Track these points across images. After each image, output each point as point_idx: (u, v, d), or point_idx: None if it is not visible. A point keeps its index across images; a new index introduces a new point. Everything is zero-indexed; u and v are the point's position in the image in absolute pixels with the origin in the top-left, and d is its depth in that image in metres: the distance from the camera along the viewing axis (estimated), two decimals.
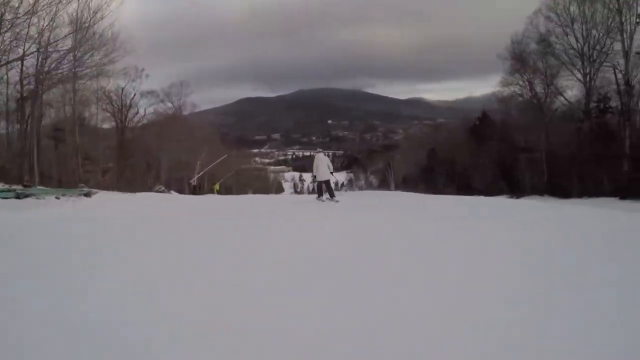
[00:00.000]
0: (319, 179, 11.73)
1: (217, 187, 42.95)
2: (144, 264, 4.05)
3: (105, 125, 34.94)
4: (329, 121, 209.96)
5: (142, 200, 14.45)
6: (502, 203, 12.18)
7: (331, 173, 11.79)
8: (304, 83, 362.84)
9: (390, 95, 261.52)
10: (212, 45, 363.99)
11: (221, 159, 37.45)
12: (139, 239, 5.69)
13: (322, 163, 11.75)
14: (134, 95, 36.01)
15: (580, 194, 22.52)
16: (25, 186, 16.60)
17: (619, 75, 22.82)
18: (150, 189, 30.39)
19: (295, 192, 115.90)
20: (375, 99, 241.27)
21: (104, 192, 18.86)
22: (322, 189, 11.78)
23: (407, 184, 58.86)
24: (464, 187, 36.11)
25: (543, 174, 27.61)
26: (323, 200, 11.50)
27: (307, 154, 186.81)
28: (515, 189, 28.64)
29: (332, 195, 11.64)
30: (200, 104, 48.41)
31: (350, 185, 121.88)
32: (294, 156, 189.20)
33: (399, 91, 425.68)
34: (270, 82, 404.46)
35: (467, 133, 41.36)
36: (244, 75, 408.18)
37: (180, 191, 35.91)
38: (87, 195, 15.68)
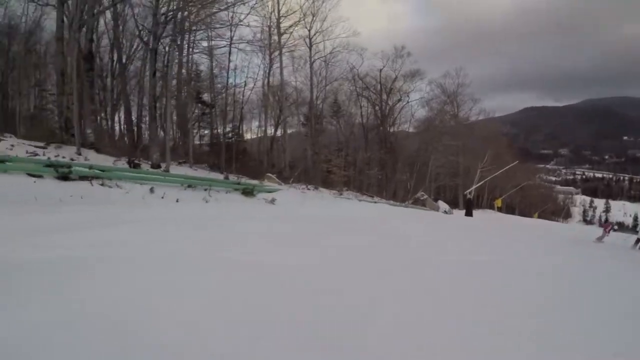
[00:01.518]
0: None
1: (499, 203, 34.71)
2: None
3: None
4: (624, 137, 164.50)
5: None
6: None
7: None
8: (592, 91, 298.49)
9: None
10: (483, 52, 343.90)
11: (511, 165, 28.21)
12: None
13: None
14: (395, 78, 29.89)
15: None
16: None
17: None
18: (408, 196, 24.31)
19: (585, 221, 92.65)
20: None
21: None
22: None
23: None
24: None
25: None
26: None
27: (599, 175, 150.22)
28: None
29: None
30: (482, 112, 39.41)
31: None
32: (583, 176, 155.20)
33: None
34: (555, 90, 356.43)
35: None
36: (526, 83, 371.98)
37: (453, 203, 28.32)
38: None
